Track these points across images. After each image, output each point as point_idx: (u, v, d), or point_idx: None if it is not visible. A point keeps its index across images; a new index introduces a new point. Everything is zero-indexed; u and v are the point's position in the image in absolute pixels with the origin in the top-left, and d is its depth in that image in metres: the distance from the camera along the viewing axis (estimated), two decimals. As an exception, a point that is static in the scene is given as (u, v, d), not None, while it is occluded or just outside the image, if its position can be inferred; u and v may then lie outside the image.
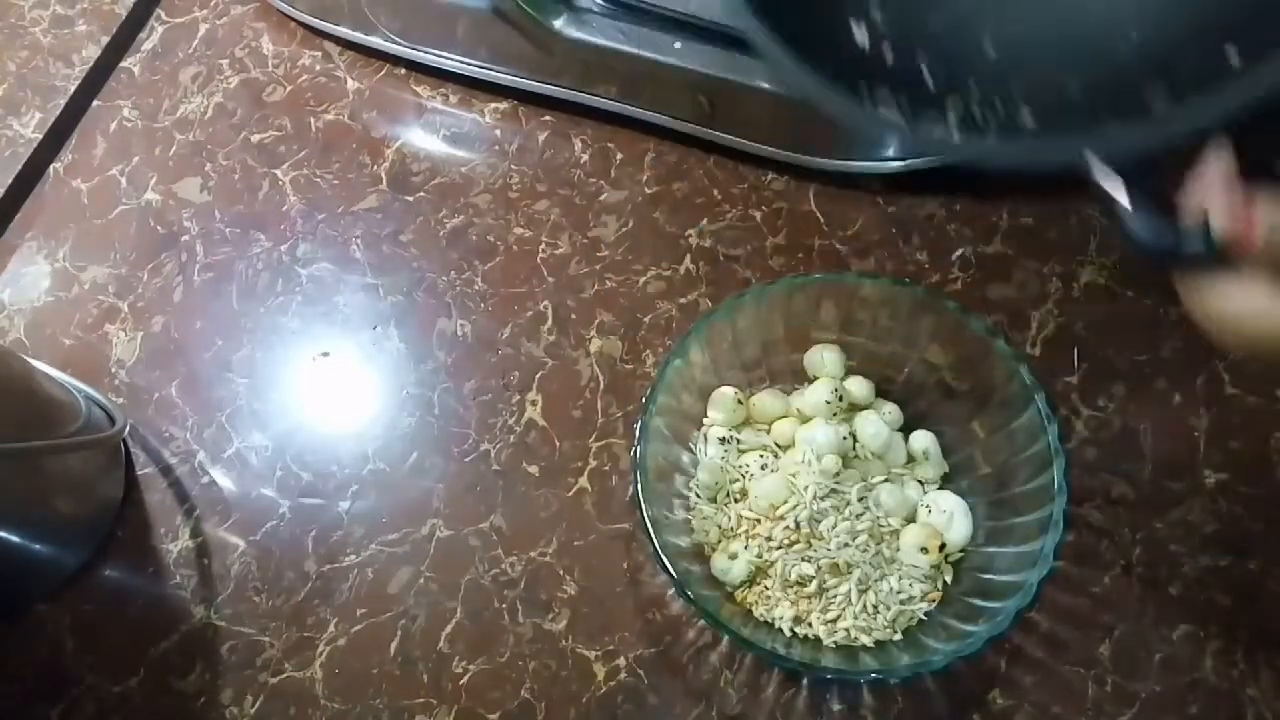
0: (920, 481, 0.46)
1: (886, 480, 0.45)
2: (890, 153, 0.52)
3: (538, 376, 0.51)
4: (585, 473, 0.49)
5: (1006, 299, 0.51)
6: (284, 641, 0.46)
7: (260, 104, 0.60)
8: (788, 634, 0.42)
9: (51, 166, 0.59)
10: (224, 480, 0.50)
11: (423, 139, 0.58)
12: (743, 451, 0.46)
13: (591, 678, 0.45)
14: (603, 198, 0.56)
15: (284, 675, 0.46)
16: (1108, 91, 0.33)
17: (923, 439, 0.46)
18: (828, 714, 0.43)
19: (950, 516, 0.44)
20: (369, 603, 0.47)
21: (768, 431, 0.47)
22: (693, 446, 0.47)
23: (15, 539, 0.45)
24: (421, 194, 0.57)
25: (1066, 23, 0.35)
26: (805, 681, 0.44)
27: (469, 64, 0.57)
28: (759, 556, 0.43)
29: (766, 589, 0.43)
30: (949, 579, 0.43)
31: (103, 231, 0.57)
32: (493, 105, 0.59)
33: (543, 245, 0.55)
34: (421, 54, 0.58)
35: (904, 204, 0.54)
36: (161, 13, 0.64)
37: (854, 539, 0.43)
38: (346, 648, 0.46)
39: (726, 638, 0.43)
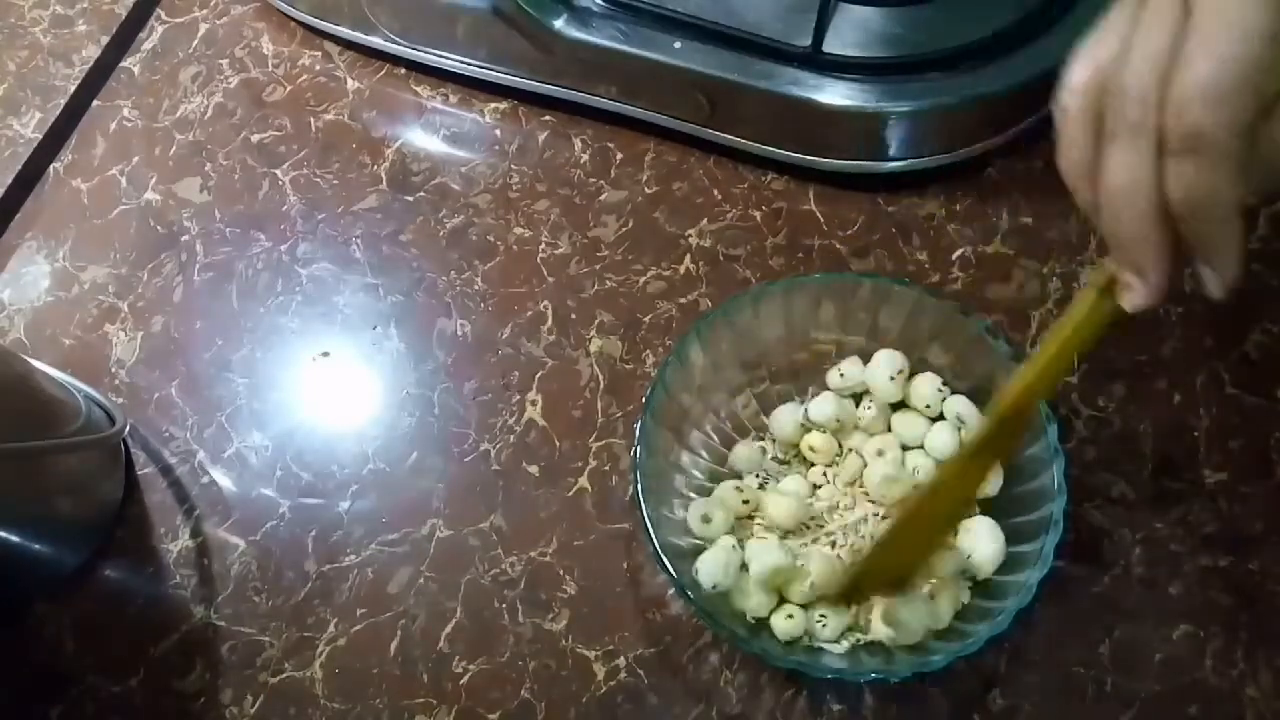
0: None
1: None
2: (890, 152, 0.52)
3: (538, 376, 0.51)
4: (585, 473, 0.49)
5: (1006, 299, 0.51)
6: (284, 641, 0.46)
7: (260, 104, 0.60)
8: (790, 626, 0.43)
9: (51, 166, 0.59)
10: (224, 480, 0.50)
11: (423, 139, 0.58)
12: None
13: (591, 678, 0.45)
14: (603, 198, 0.56)
15: (284, 675, 0.46)
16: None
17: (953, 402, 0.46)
18: (828, 714, 0.43)
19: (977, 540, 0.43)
20: (369, 603, 0.47)
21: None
22: (693, 446, 0.47)
23: (15, 539, 0.45)
24: (421, 194, 0.57)
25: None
26: (805, 681, 0.44)
27: (469, 64, 0.57)
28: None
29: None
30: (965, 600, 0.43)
31: (103, 231, 0.57)
32: (493, 105, 0.59)
33: (543, 245, 0.55)
34: (421, 54, 0.58)
35: (904, 204, 0.54)
36: (161, 13, 0.64)
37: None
38: (346, 648, 0.46)
39: (726, 638, 0.43)
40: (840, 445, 0.46)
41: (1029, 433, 0.42)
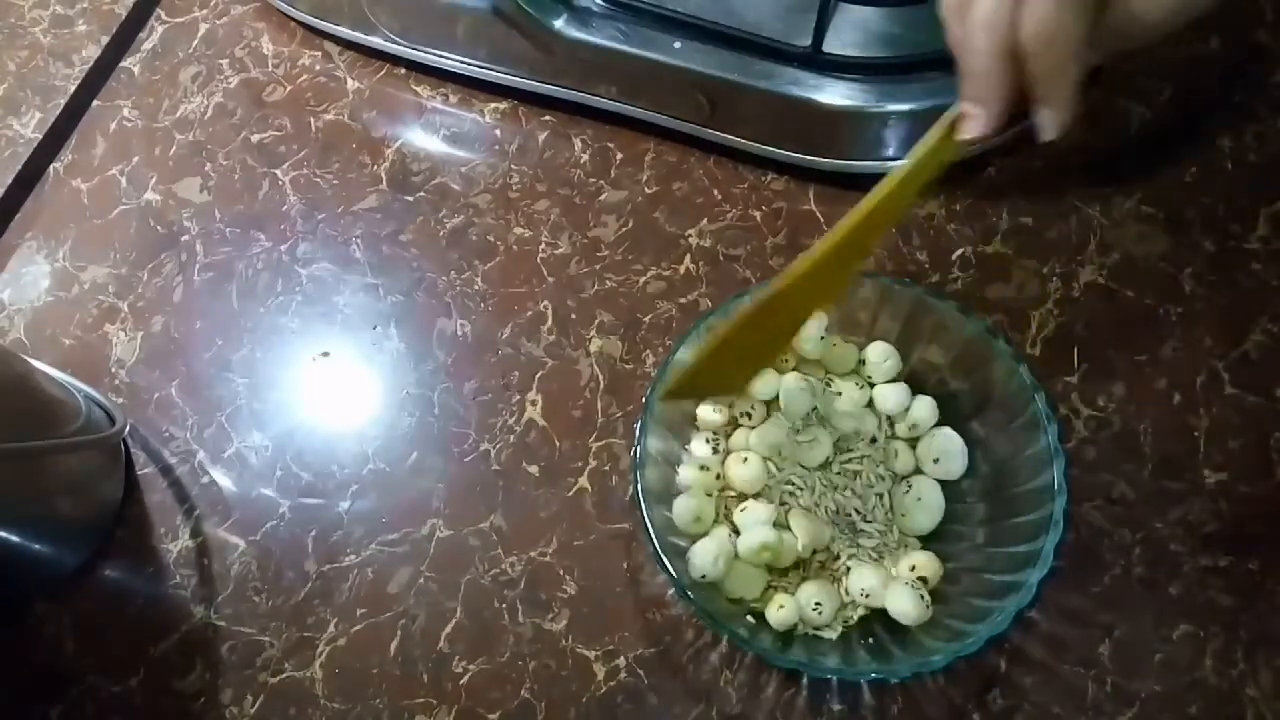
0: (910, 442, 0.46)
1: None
2: (890, 152, 0.52)
3: (538, 376, 0.51)
4: (585, 473, 0.49)
5: (1006, 299, 0.51)
6: (284, 641, 0.47)
7: (260, 104, 0.60)
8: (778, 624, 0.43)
9: (51, 166, 0.59)
10: (224, 480, 0.50)
11: (423, 139, 0.58)
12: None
13: (591, 678, 0.45)
14: (603, 198, 0.56)
15: (284, 675, 0.46)
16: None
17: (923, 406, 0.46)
18: (828, 714, 0.43)
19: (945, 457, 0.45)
20: (369, 603, 0.47)
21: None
22: (690, 448, 0.47)
23: (15, 539, 0.45)
24: (421, 194, 0.57)
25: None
26: (805, 681, 0.44)
27: (469, 64, 0.57)
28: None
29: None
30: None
31: (103, 231, 0.57)
32: (493, 105, 0.59)
33: (543, 245, 0.55)
34: (421, 54, 0.58)
35: (904, 204, 0.54)
36: (161, 13, 0.64)
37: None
38: (346, 648, 0.46)
39: (726, 637, 0.43)
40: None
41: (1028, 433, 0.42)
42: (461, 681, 0.45)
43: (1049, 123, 0.33)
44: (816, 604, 0.42)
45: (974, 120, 0.33)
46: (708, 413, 0.46)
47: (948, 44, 0.34)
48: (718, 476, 0.45)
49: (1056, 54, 0.31)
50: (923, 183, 0.36)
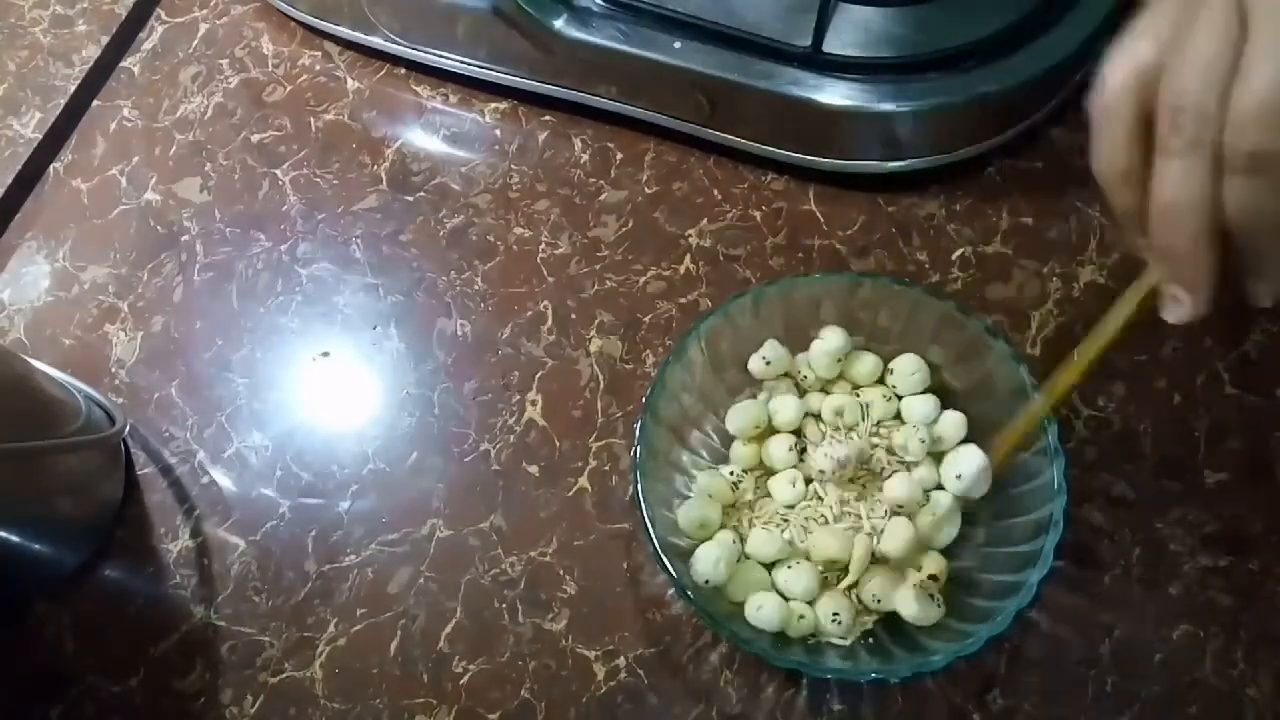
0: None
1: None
2: (891, 152, 0.52)
3: (538, 376, 0.51)
4: (585, 473, 0.49)
5: (1006, 299, 0.51)
6: (284, 641, 0.47)
7: (260, 104, 0.60)
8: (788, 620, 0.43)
9: (51, 166, 0.59)
10: (224, 480, 0.50)
11: (423, 139, 0.58)
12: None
13: (591, 678, 0.45)
14: (603, 198, 0.56)
15: (284, 675, 0.46)
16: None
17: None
18: (828, 714, 0.43)
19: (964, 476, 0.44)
20: (369, 603, 0.47)
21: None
22: (693, 446, 0.47)
23: (15, 539, 0.45)
24: (421, 194, 0.57)
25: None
26: (805, 681, 0.44)
27: (469, 64, 0.57)
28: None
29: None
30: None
31: (103, 231, 0.57)
32: (493, 105, 0.59)
33: (543, 245, 0.55)
34: (421, 54, 0.58)
35: (904, 204, 0.54)
36: (161, 13, 0.64)
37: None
38: (346, 648, 0.46)
39: (726, 638, 0.43)
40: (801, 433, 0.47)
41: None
42: (461, 681, 0.45)
43: (1265, 293, 0.29)
44: (835, 615, 0.42)
45: (1182, 307, 0.30)
46: (786, 416, 0.45)
47: (1114, 210, 0.30)
48: (737, 486, 0.45)
49: (1275, 232, 0.26)
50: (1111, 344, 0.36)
